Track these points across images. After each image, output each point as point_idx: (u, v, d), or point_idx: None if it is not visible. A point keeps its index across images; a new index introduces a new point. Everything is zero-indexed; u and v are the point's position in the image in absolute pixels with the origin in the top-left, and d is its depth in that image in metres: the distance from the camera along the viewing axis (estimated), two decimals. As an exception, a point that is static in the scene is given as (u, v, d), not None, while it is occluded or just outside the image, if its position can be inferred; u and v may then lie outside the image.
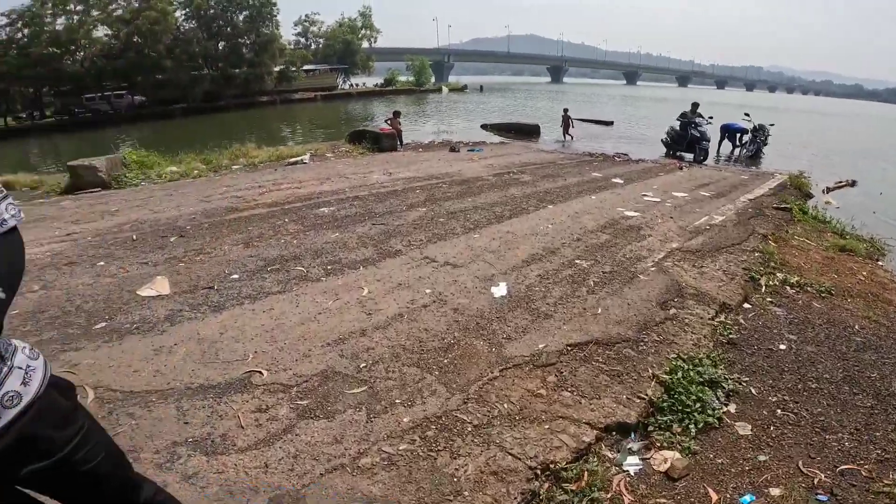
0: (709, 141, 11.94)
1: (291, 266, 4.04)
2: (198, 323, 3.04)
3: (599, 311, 3.36)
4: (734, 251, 4.92)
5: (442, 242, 4.76)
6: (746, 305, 3.74)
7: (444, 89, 50.72)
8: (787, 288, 4.11)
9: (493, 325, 3.10)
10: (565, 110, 15.42)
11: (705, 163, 11.60)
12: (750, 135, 13.66)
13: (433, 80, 58.69)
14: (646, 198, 7.07)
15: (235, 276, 3.80)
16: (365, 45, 51.39)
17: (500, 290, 3.62)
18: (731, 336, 3.22)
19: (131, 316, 3.12)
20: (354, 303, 3.36)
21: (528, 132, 16.13)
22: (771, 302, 3.82)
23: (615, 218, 5.90)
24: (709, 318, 3.42)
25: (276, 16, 36.60)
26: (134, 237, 4.77)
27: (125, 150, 9.81)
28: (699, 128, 11.91)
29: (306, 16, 48.97)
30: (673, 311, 3.46)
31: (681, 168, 10.32)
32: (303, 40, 48.56)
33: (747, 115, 13.84)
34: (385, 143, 11.12)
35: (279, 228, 5.15)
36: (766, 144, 13.57)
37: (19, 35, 28.55)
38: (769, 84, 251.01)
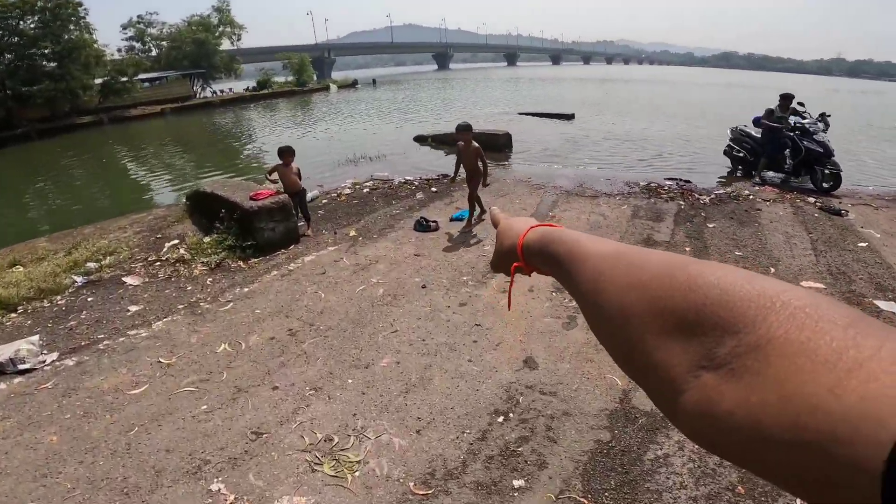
0: (834, 155, 6.99)
1: None
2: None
3: None
4: None
5: None
6: None
7: (333, 87, 43.28)
8: None
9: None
10: (463, 130, 5.03)
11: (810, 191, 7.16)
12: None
13: (315, 78, 50.81)
14: None
15: None
16: (226, 45, 42.30)
17: None
18: None
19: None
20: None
21: (492, 145, 10.74)
22: None
23: None
24: None
25: (83, 17, 26.85)
26: None
27: None
28: (815, 136, 7.05)
29: (139, 16, 38.44)
30: None
31: (839, 213, 5.73)
32: (138, 45, 38.28)
33: (801, 104, 9.82)
34: (267, 232, 4.83)
35: None
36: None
37: None
38: (624, 57, 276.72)
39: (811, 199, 6.42)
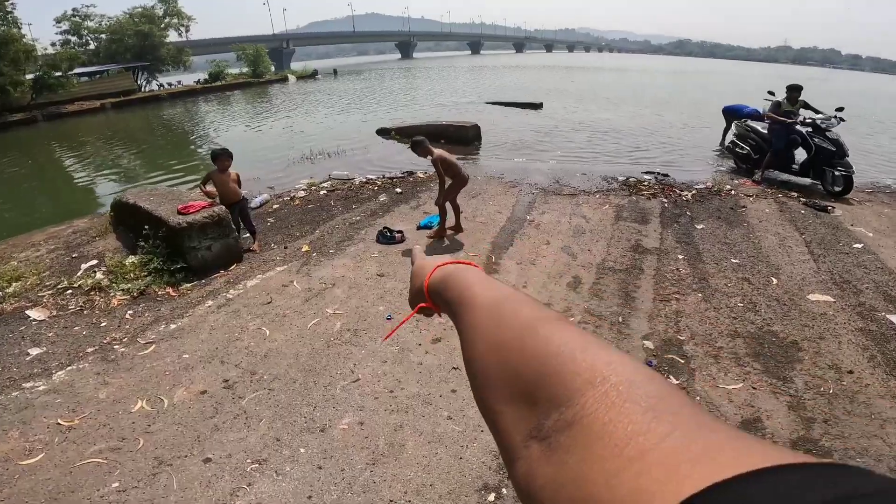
0: (848, 155, 6.21)
1: None
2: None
3: None
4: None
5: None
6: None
7: (291, 77, 41.59)
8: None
9: None
10: (417, 147, 4.33)
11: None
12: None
13: (273, 68, 48.72)
14: None
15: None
16: (174, 36, 39.98)
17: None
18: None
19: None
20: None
21: (459, 139, 10.20)
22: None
23: None
24: None
25: (10, 12, 24.78)
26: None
27: None
28: (827, 133, 6.27)
29: (74, 9, 36.11)
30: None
31: (825, 209, 5.55)
32: (74, 39, 35.95)
33: (771, 93, 9.78)
34: (201, 251, 4.07)
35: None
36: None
37: None
38: (585, 45, 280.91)
39: (794, 194, 6.23)
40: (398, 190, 6.47)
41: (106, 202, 8.22)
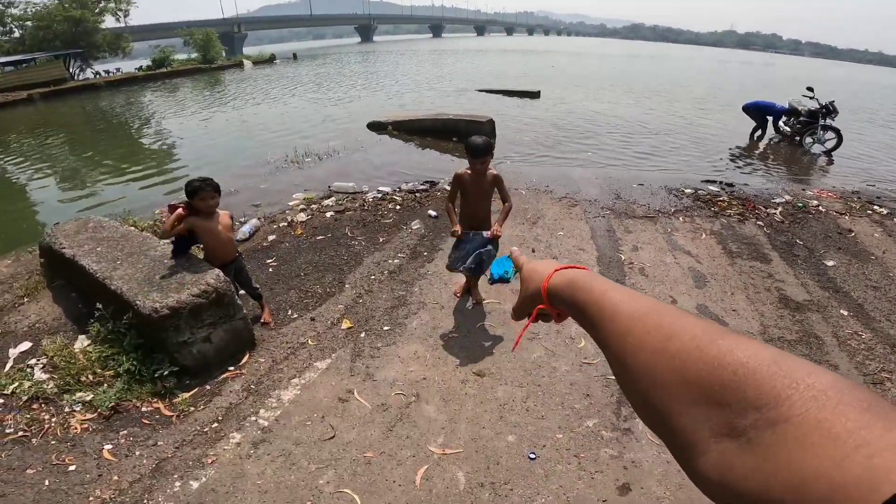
0: None
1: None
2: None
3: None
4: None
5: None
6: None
7: (247, 63, 38.58)
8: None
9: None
10: (482, 153, 3.01)
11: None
12: (805, 118, 8.93)
13: (224, 54, 45.23)
14: None
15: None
16: (111, 22, 36.60)
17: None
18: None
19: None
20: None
21: (473, 135, 8.89)
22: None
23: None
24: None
25: None
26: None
27: None
28: None
29: None
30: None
31: None
32: None
33: (811, 89, 8.98)
34: (196, 346, 2.58)
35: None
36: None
37: None
38: (544, 28, 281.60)
39: (877, 208, 5.40)
40: (432, 213, 5.15)
41: (40, 223, 6.43)
